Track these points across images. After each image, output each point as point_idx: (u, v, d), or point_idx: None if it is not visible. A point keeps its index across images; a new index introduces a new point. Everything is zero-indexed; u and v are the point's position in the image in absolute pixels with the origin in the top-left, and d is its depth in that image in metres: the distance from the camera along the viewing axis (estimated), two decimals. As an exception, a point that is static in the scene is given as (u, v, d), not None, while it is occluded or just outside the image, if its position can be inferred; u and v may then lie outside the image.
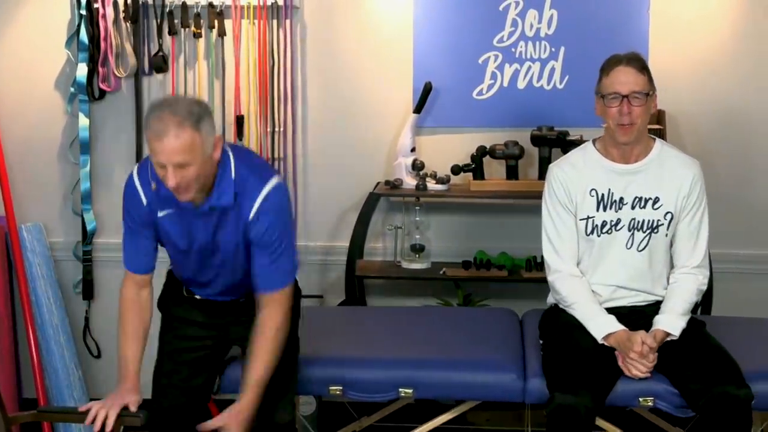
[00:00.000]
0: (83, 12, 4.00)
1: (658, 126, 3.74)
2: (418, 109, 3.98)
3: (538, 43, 4.00)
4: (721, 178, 3.91)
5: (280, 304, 2.78)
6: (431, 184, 3.94)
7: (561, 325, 3.08)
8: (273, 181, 2.75)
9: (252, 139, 4.06)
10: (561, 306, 3.12)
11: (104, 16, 3.99)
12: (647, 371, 2.90)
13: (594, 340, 2.97)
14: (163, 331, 3.04)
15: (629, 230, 3.05)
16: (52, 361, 4.10)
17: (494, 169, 4.00)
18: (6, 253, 4.10)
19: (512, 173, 3.93)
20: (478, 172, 3.95)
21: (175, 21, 4.01)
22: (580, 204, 3.08)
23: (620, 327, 2.96)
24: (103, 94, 4.13)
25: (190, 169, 2.59)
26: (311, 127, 4.11)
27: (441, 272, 3.93)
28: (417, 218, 4.01)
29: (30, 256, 4.10)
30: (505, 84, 4.03)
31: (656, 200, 3.05)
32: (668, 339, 2.95)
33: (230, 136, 4.05)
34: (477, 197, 3.97)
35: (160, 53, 4.05)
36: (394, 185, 3.96)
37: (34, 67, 4.16)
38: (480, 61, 4.02)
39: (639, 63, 3.00)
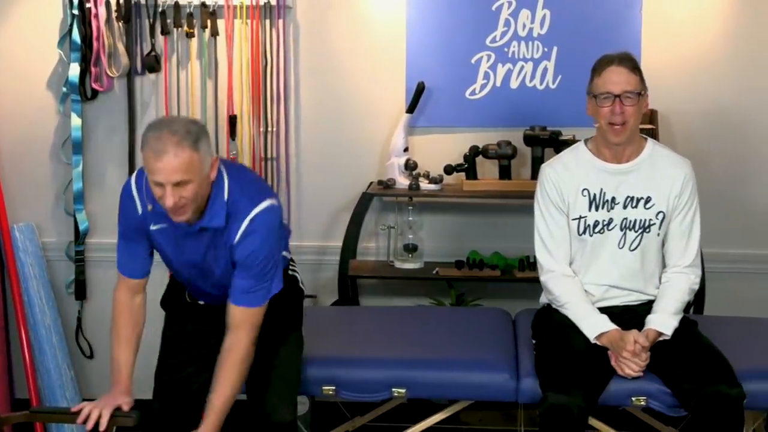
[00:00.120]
0: (75, 12, 3.98)
1: (650, 126, 3.75)
2: (411, 109, 3.98)
3: (530, 42, 4.00)
4: (713, 177, 3.91)
5: (251, 325, 2.76)
6: (424, 184, 3.94)
7: (554, 324, 3.08)
8: (264, 204, 2.72)
9: (245, 139, 4.06)
10: (554, 306, 3.12)
11: (96, 15, 3.98)
12: (640, 370, 2.90)
13: (587, 339, 2.98)
14: (166, 327, 3.04)
15: (621, 230, 3.06)
16: (45, 361, 4.09)
17: (487, 168, 4.00)
18: (-2, 253, 4.09)
19: (505, 173, 3.93)
20: (470, 172, 3.95)
21: (168, 21, 4.00)
22: (573, 204, 3.08)
23: (613, 326, 2.96)
24: (95, 93, 4.12)
25: (188, 188, 2.59)
26: (304, 127, 4.11)
27: (434, 272, 3.93)
28: (410, 218, 4.01)
29: (22, 256, 4.09)
30: (498, 84, 4.03)
31: (648, 200, 3.05)
32: (660, 339, 2.95)
33: (223, 135, 4.04)
34: (470, 197, 3.97)
35: (153, 53, 4.05)
36: (387, 185, 3.96)
37: (26, 67, 4.14)
38: (473, 61, 4.02)
39: (631, 63, 3.00)
